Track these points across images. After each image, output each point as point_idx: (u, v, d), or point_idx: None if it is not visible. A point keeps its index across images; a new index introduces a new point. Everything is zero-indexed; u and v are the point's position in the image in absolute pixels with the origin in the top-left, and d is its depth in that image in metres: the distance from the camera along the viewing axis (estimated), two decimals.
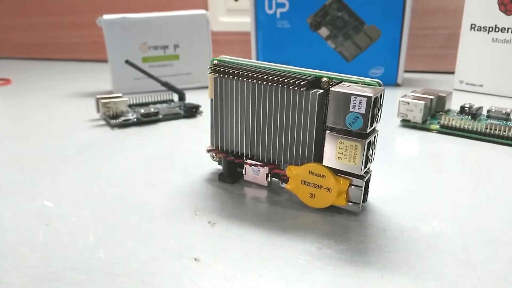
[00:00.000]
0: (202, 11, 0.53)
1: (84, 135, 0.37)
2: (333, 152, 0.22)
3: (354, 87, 0.22)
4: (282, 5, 0.53)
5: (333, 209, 0.24)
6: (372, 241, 0.21)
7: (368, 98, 0.21)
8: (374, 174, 0.26)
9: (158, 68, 0.53)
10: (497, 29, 0.47)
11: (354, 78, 0.23)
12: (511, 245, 0.21)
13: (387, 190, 0.27)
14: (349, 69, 0.53)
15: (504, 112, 0.37)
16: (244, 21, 0.63)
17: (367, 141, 0.22)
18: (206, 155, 0.29)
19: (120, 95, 0.42)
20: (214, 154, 0.28)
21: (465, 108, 0.38)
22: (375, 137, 0.23)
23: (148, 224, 0.23)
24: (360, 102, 0.21)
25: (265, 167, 0.26)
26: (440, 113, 0.39)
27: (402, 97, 0.38)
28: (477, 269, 0.19)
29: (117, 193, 0.27)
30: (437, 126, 0.37)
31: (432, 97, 0.38)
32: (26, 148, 0.35)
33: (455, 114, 0.39)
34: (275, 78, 0.24)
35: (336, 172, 0.23)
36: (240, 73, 0.25)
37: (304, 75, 0.24)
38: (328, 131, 0.23)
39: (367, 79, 0.22)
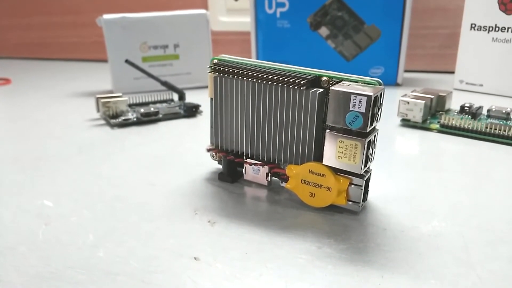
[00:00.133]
0: (202, 11, 0.53)
1: (84, 134, 0.37)
2: (333, 151, 0.22)
3: (354, 86, 0.22)
4: (282, 4, 0.53)
5: (333, 208, 0.24)
6: (372, 240, 0.21)
7: (368, 97, 0.21)
8: (374, 173, 0.26)
9: (158, 68, 0.53)
10: (497, 29, 0.47)
11: (354, 77, 0.23)
12: (511, 244, 0.21)
13: (387, 189, 0.27)
14: (349, 68, 0.53)
15: (504, 111, 0.37)
16: (244, 21, 0.63)
17: (367, 140, 0.22)
18: (206, 155, 0.29)
19: (120, 94, 0.42)
20: (214, 153, 0.28)
21: (465, 108, 0.38)
22: (375, 136, 0.23)
23: (148, 223, 0.23)
24: (360, 101, 0.21)
25: (265, 166, 0.26)
26: (440, 112, 0.39)
27: (402, 96, 0.38)
28: (477, 268, 0.19)
29: (117, 192, 0.27)
30: (437, 126, 0.37)
31: (432, 96, 0.38)
32: (26, 147, 0.35)
33: (455, 113, 0.39)
34: (275, 77, 0.24)
35: (336, 171, 0.23)
36: (240, 72, 0.25)
37: (304, 74, 0.24)
38: (328, 130, 0.23)
39: (367, 78, 0.22)
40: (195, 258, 0.20)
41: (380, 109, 0.22)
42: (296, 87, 0.23)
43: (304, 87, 0.23)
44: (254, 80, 0.24)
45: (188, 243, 0.21)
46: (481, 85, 0.50)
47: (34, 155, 0.33)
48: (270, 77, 0.24)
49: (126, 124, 0.40)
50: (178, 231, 0.22)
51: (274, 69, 0.25)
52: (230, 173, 0.28)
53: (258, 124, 0.25)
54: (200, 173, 0.29)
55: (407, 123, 0.38)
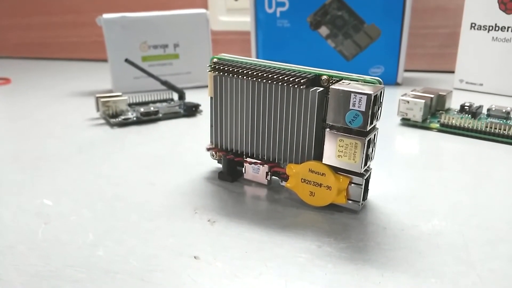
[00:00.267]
0: (202, 10, 0.53)
1: (84, 134, 0.37)
2: (333, 150, 0.22)
3: (354, 85, 0.22)
4: (282, 4, 0.53)
5: (333, 207, 0.24)
6: (372, 239, 0.21)
7: (368, 95, 0.21)
8: (374, 172, 0.26)
9: (158, 67, 0.53)
10: (497, 28, 0.47)
11: (354, 76, 0.23)
12: (511, 243, 0.21)
13: (387, 188, 0.27)
14: (349, 68, 0.53)
15: (504, 110, 0.37)
16: (244, 20, 0.63)
17: (367, 139, 0.22)
18: (205, 154, 0.29)
19: (120, 94, 0.42)
20: (213, 152, 0.28)
21: (465, 107, 0.38)
22: (375, 135, 0.23)
23: (148, 222, 0.23)
24: (360, 100, 0.21)
25: (265, 165, 0.26)
26: (440, 112, 0.39)
27: (402, 95, 0.38)
28: (477, 267, 0.19)
29: (116, 191, 0.27)
30: (437, 125, 0.37)
31: (432, 96, 0.38)
32: (26, 147, 0.35)
33: (455, 112, 0.39)
34: (275, 76, 0.24)
35: (336, 170, 0.23)
36: (240, 71, 0.25)
37: (304, 73, 0.24)
38: (328, 129, 0.23)
39: (367, 77, 0.22)
40: (195, 257, 0.20)
41: (380, 108, 0.22)
42: (296, 86, 0.23)
43: (304, 86, 0.23)
44: (254, 79, 0.24)
45: (188, 242, 0.21)
46: (481, 84, 0.50)
47: (34, 154, 0.33)
48: (270, 76, 0.24)
49: (126, 123, 0.40)
50: (178, 230, 0.22)
51: (274, 68, 0.25)
52: (230, 172, 0.28)
53: (258, 123, 0.25)
54: (200, 172, 0.29)
55: (407, 122, 0.38)
